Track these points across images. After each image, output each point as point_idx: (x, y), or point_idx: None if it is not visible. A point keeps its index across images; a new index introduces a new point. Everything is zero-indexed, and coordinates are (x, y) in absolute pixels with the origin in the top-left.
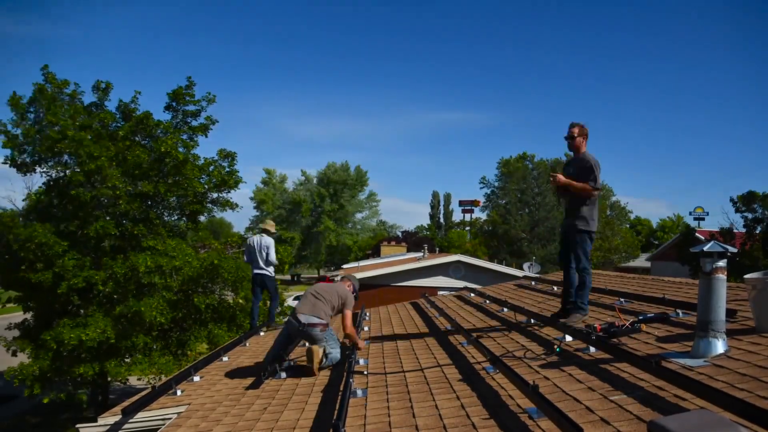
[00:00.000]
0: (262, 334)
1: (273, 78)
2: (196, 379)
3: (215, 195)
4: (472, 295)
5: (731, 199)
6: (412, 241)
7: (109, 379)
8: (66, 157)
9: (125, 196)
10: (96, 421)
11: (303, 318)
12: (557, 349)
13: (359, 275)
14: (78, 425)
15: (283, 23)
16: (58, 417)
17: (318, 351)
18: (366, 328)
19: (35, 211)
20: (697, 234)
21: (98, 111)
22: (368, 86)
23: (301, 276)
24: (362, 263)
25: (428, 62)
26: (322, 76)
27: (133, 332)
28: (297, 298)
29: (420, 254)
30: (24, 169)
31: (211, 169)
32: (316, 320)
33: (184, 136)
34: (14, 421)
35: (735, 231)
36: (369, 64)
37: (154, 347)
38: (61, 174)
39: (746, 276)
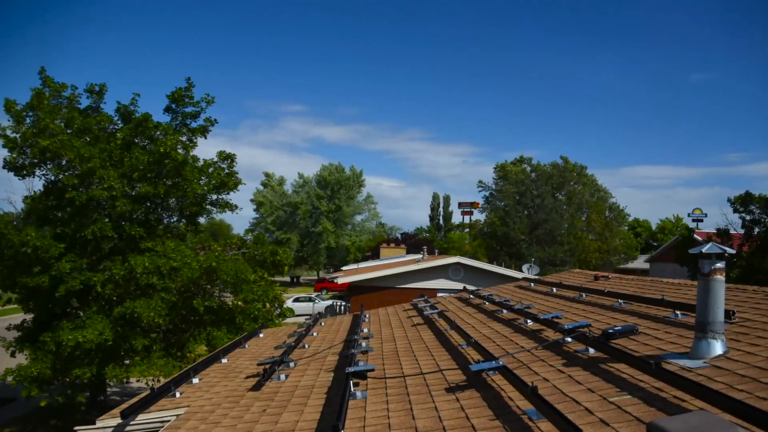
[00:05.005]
0: (261, 335)
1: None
2: (195, 381)
3: (215, 197)
4: (471, 296)
5: (729, 200)
6: (412, 243)
7: (108, 381)
8: (64, 160)
9: (122, 198)
10: (94, 423)
11: None
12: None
13: (359, 277)
14: (76, 427)
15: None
16: (66, 419)
17: None
18: (365, 330)
19: (34, 214)
20: (695, 235)
21: (95, 114)
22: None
23: (301, 278)
24: (361, 265)
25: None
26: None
27: (132, 334)
28: (296, 299)
29: (419, 256)
30: (23, 172)
31: (210, 171)
32: None
33: (184, 138)
34: (17, 424)
35: (733, 232)
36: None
37: (154, 348)
38: (59, 177)
39: None
